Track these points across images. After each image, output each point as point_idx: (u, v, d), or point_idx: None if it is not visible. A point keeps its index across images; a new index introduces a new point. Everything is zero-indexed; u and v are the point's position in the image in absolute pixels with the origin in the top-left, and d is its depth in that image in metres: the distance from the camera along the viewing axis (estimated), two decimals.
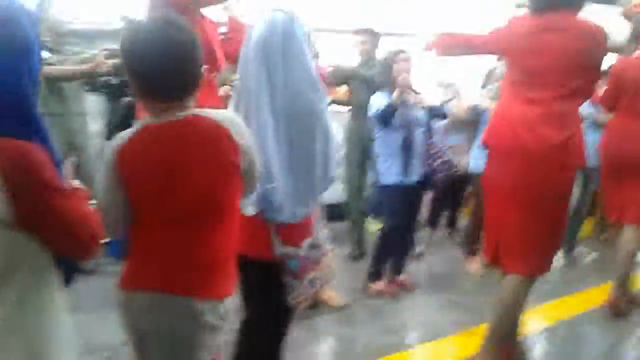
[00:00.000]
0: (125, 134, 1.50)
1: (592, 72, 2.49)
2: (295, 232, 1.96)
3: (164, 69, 1.43)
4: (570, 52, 2.38)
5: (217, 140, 1.48)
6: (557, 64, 2.39)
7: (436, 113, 3.80)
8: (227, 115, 1.54)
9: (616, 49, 4.49)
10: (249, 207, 1.86)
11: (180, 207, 1.47)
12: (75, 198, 1.29)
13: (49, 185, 1.20)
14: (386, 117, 3.57)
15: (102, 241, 1.33)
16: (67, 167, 1.65)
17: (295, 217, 1.94)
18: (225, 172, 1.50)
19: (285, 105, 1.87)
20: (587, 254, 4.95)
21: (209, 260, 1.51)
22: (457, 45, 2.75)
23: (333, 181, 2.06)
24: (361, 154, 4.52)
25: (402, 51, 3.74)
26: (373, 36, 4.52)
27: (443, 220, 5.76)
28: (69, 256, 1.34)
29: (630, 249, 3.51)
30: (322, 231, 2.10)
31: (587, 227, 5.32)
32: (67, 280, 1.37)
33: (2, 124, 1.18)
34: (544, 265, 2.56)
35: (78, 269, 1.48)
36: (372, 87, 4.02)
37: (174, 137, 1.47)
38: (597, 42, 2.44)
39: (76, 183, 1.38)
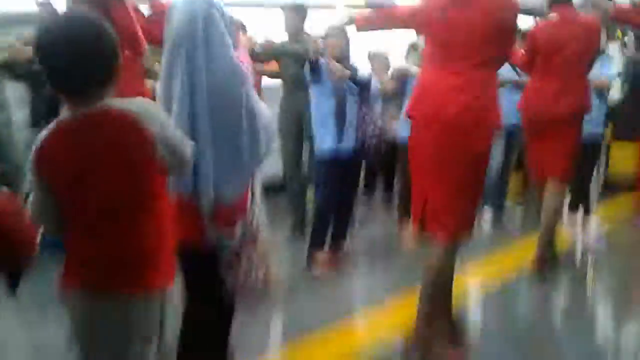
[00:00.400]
0: (42, 134, 1.52)
1: (506, 40, 2.63)
2: (227, 213, 1.98)
3: (70, 66, 1.46)
4: (483, 24, 2.51)
5: (128, 131, 1.50)
6: (471, 36, 2.51)
7: (363, 83, 3.90)
8: (139, 105, 1.55)
9: (530, 12, 4.71)
10: (177, 191, 1.88)
11: (99, 202, 1.49)
12: (5, 203, 1.29)
13: None
14: (313, 69, 3.75)
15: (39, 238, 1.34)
16: None
17: (226, 198, 1.96)
18: (140, 162, 1.52)
19: (207, 90, 1.91)
20: (515, 210, 5.21)
21: (139, 253, 1.54)
22: (377, 20, 2.87)
23: (263, 159, 2.09)
24: (296, 127, 4.59)
25: (335, 27, 3.81)
26: (299, 12, 4.54)
27: (380, 186, 5.95)
28: (11, 263, 1.36)
29: (553, 202, 3.71)
30: (257, 209, 2.14)
31: (514, 183, 5.61)
32: (13, 284, 1.38)
33: None
34: (467, 226, 2.68)
35: (20, 272, 1.48)
36: (300, 61, 4.08)
37: (85, 132, 1.49)
38: (508, 11, 2.59)
39: (3, 190, 1.39)
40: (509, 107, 4.26)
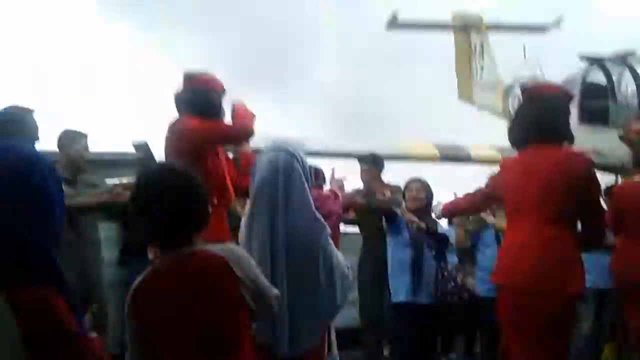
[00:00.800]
0: (139, 278, 1.62)
1: (577, 197, 2.48)
2: None
3: (164, 216, 1.59)
4: (548, 179, 2.47)
5: (218, 274, 1.58)
6: (536, 191, 2.48)
7: (442, 237, 3.86)
8: (228, 249, 1.65)
9: (611, 169, 4.63)
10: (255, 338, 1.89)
11: (188, 340, 1.54)
12: (91, 344, 1.33)
13: (66, 333, 1.26)
14: (390, 219, 3.75)
15: None
16: (85, 316, 1.74)
17: (301, 348, 1.96)
18: (227, 304, 1.58)
19: (286, 238, 1.99)
20: None
21: None
22: (462, 203, 3.04)
23: (340, 308, 2.10)
24: (376, 277, 4.35)
25: (416, 180, 3.92)
26: (375, 164, 4.61)
27: (460, 346, 5.61)
28: None
29: None
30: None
31: (609, 352, 5.12)
32: None
33: (22, 273, 1.25)
34: None
35: None
36: (377, 213, 4.09)
37: (177, 275, 1.58)
38: (577, 169, 2.50)
39: (93, 334, 1.44)
40: (599, 269, 4.03)
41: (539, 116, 2.58)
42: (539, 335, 2.42)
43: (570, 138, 2.65)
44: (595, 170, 2.71)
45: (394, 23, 10.29)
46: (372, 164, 4.60)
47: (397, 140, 7.12)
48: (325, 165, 4.89)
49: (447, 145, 7.10)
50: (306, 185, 2.08)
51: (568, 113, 2.68)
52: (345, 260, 2.16)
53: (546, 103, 2.60)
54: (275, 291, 1.74)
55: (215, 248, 1.62)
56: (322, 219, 2.10)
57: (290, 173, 2.05)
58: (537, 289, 2.42)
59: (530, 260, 2.43)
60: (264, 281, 1.70)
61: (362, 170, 4.60)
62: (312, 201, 2.08)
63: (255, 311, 1.66)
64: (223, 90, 3.14)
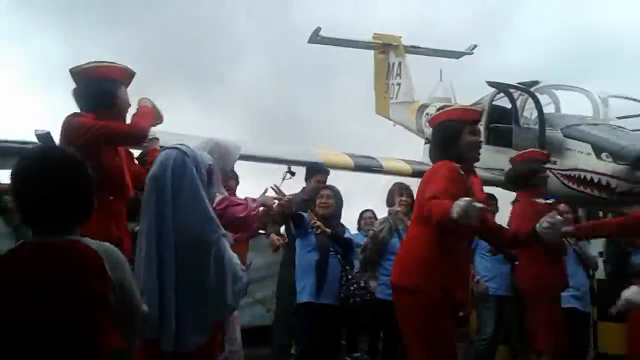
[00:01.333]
0: (6, 249, 1.46)
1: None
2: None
3: (41, 201, 1.45)
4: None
5: (88, 270, 1.44)
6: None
7: (347, 243, 3.92)
8: (106, 248, 1.52)
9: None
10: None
11: (39, 334, 1.38)
12: None
13: None
14: (296, 222, 3.79)
15: None
16: None
17: (189, 345, 1.92)
18: (91, 303, 1.43)
19: (175, 237, 1.95)
20: None
21: None
22: None
23: (231, 309, 2.10)
24: (291, 280, 4.30)
25: (328, 187, 4.02)
26: (326, 173, 4.72)
27: (364, 347, 5.71)
28: None
29: None
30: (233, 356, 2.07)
31: (504, 352, 5.39)
32: None
33: None
34: None
35: None
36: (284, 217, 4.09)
37: (38, 262, 1.43)
38: (427, 178, 2.68)
39: None
40: (500, 278, 4.34)
41: (432, 142, 2.98)
42: (404, 330, 2.65)
43: (455, 157, 2.72)
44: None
45: (316, 37, 10.46)
46: (325, 173, 4.72)
47: (311, 148, 7.19)
48: (240, 168, 4.90)
49: (361, 156, 7.27)
50: (199, 184, 2.04)
51: (453, 137, 2.75)
52: (239, 260, 2.13)
53: (436, 130, 2.92)
54: (144, 308, 1.64)
55: (94, 244, 1.49)
56: (217, 220, 2.06)
57: (182, 170, 2.02)
58: (392, 284, 2.70)
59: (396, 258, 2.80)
60: (136, 295, 1.59)
61: (314, 179, 4.63)
62: (206, 200, 2.05)
63: (119, 317, 1.53)
64: (122, 76, 2.84)
